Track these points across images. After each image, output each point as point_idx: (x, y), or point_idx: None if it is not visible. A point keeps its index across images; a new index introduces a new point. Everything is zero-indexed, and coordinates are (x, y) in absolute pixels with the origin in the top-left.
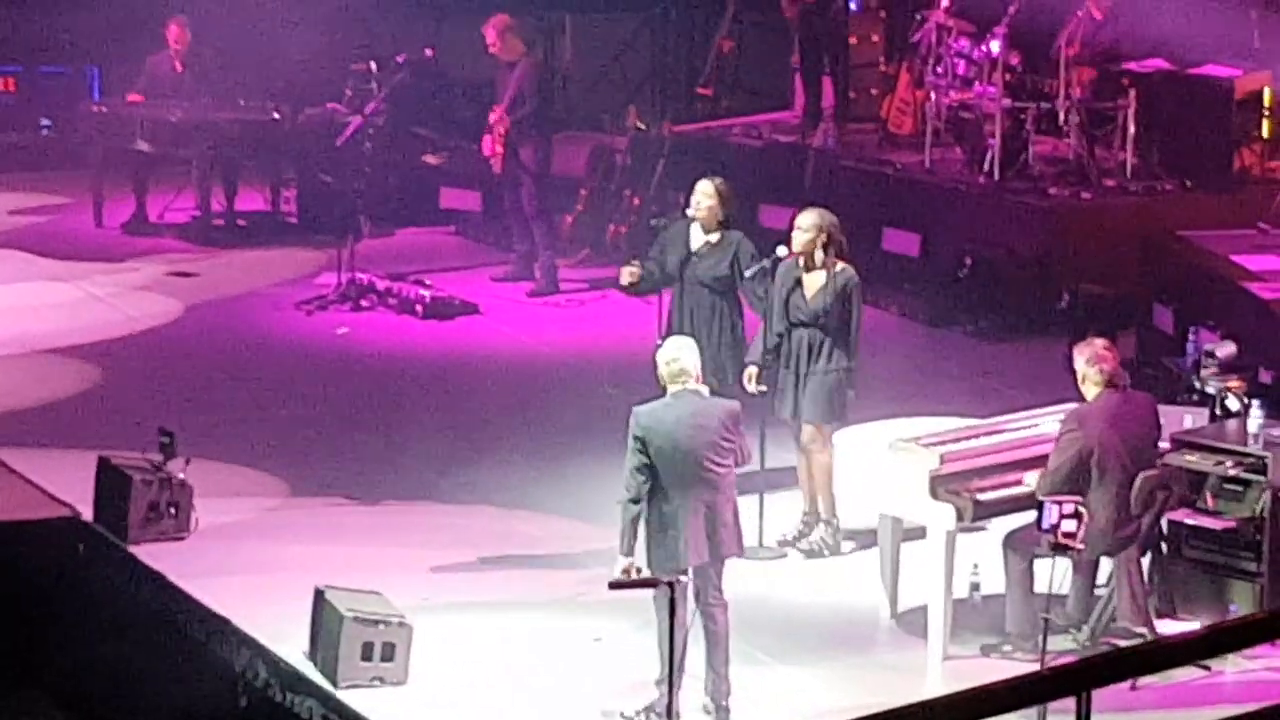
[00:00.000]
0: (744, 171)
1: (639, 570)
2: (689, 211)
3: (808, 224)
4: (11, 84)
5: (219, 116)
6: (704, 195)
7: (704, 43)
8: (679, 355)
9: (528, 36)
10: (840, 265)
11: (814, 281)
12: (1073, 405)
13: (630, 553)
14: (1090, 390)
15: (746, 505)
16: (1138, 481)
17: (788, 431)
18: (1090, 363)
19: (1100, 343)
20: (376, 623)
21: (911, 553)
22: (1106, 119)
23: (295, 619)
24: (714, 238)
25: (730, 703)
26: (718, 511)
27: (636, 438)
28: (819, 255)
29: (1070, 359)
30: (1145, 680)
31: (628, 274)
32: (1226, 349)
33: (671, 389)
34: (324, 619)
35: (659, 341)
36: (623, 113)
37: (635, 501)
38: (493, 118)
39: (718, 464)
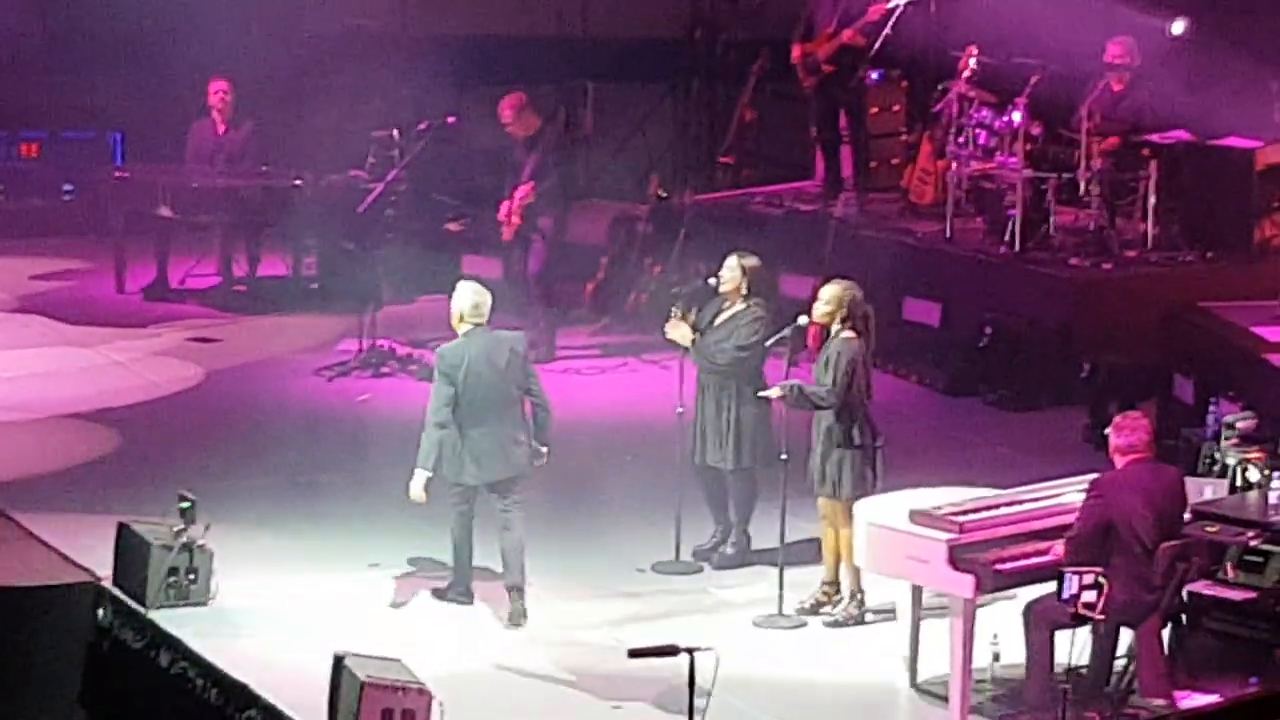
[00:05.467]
0: (765, 240)
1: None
2: (713, 282)
3: (828, 296)
4: (35, 149)
5: (241, 183)
6: (728, 269)
7: (726, 112)
8: (472, 296)
9: (547, 108)
10: (844, 337)
11: (824, 352)
12: (1094, 475)
13: (428, 468)
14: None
15: (766, 575)
16: (1158, 552)
17: (810, 504)
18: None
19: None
20: (396, 690)
21: (931, 622)
22: (1127, 189)
23: (314, 686)
24: (734, 309)
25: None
26: (511, 433)
27: (442, 372)
28: (835, 328)
29: (1090, 429)
30: None
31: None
32: (1247, 420)
33: (463, 328)
34: (343, 686)
35: (679, 409)
36: (644, 181)
37: (441, 426)
38: (518, 196)
39: (510, 390)
